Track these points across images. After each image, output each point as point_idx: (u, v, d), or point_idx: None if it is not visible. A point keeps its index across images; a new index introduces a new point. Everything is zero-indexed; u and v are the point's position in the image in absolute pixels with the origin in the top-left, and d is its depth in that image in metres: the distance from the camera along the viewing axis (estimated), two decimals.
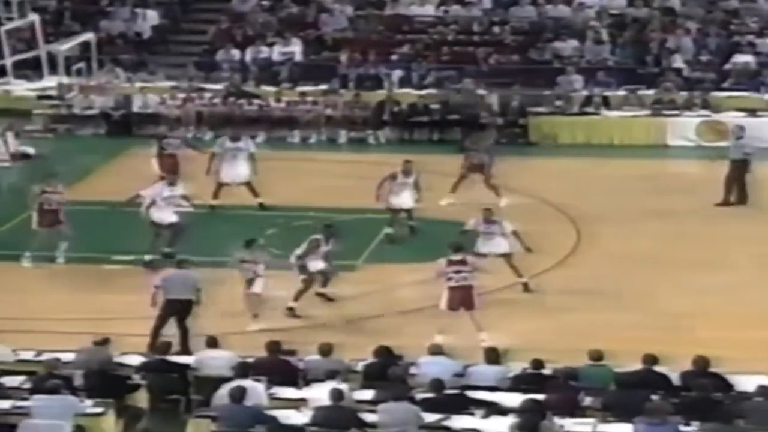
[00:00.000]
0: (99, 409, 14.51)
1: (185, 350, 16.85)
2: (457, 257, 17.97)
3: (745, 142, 24.43)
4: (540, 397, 14.40)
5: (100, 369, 15.24)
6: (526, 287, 19.75)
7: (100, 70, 31.87)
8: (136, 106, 30.01)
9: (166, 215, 20.87)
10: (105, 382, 15.08)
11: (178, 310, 17.40)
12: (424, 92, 29.85)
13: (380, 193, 21.85)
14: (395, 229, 22.03)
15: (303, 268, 18.81)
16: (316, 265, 18.87)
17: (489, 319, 18.16)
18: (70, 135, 29.90)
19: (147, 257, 20.65)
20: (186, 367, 15.67)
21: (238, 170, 23.68)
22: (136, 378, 15.41)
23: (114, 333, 16.38)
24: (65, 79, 31.46)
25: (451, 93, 29.49)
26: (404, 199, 21.95)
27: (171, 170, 23.76)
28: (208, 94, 29.97)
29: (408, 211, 22.09)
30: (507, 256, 19.65)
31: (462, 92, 29.43)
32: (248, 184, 23.73)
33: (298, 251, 18.88)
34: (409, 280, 19.90)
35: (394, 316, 18.83)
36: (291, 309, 18.79)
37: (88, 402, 14.58)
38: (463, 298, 17.69)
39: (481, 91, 29.30)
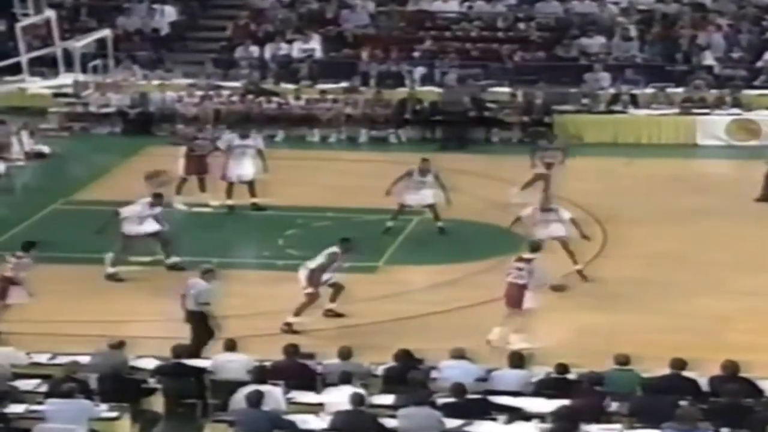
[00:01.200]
0: (114, 414, 14.52)
1: (193, 353, 16.68)
2: (527, 256, 18.17)
3: None
4: (565, 402, 14.37)
5: (115, 373, 15.27)
6: (581, 275, 19.95)
7: (117, 67, 31.98)
8: (154, 105, 30.08)
9: (144, 227, 20.66)
10: (120, 385, 15.11)
11: (194, 321, 17.29)
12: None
13: (393, 188, 21.88)
14: (395, 223, 21.98)
15: (315, 281, 18.50)
16: (329, 278, 18.67)
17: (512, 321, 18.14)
18: (85, 133, 30.00)
19: (110, 270, 20.49)
20: (203, 370, 15.69)
21: (244, 168, 23.63)
22: (152, 382, 15.43)
23: (130, 336, 16.42)
24: (81, 77, 31.57)
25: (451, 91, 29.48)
26: (423, 197, 21.96)
27: (199, 172, 23.80)
28: (226, 92, 30.05)
29: (431, 207, 22.02)
30: (563, 241, 19.85)
31: (444, 90, 29.32)
32: (250, 183, 23.64)
33: (312, 264, 18.60)
34: (430, 282, 19.88)
35: (415, 318, 18.81)
36: (289, 324, 18.43)
37: (103, 406, 14.59)
38: (511, 296, 17.86)
39: (507, 89, 29.26)
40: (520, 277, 17.90)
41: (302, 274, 18.58)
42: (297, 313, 18.49)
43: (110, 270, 20.50)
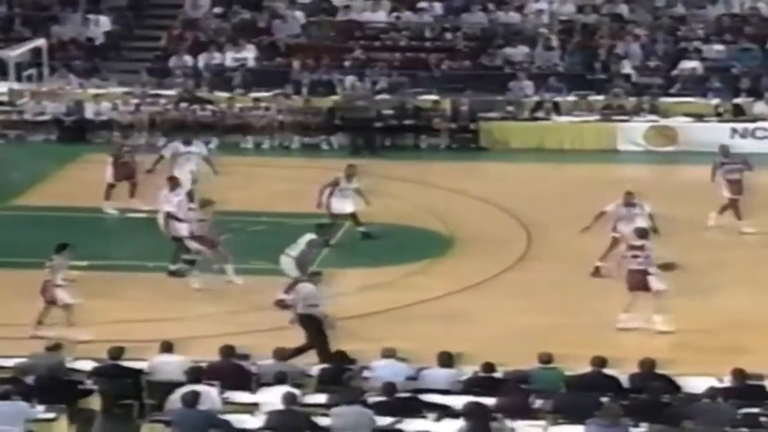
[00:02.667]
0: (51, 415, 14.39)
1: (293, 354, 16.54)
2: (639, 243, 18.49)
3: None
4: (491, 400, 14.45)
5: (52, 374, 15.13)
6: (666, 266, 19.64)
7: (52, 76, 31.67)
8: (89, 112, 29.85)
9: (183, 228, 20.48)
10: (57, 387, 14.97)
11: (306, 324, 17.13)
12: (378, 98, 29.84)
13: (321, 199, 21.74)
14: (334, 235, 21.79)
15: (304, 267, 18.56)
16: (312, 266, 18.72)
17: (440, 322, 18.22)
18: (21, 141, 29.69)
19: (172, 267, 20.40)
20: (139, 372, 15.59)
21: (187, 175, 23.51)
22: (89, 383, 15.30)
23: (67, 338, 16.25)
24: (16, 85, 31.23)
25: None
26: (346, 206, 21.80)
27: (127, 177, 23.66)
28: (161, 100, 29.87)
29: (353, 216, 21.93)
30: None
31: (353, 95, 29.37)
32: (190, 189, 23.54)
33: (293, 252, 18.70)
34: (363, 285, 19.90)
35: (348, 320, 18.81)
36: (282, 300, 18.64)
37: (40, 407, 14.45)
38: (637, 281, 18.27)
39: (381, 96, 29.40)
40: (639, 263, 18.30)
41: (287, 262, 18.65)
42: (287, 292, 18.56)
43: (172, 267, 20.35)
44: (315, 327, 16.94)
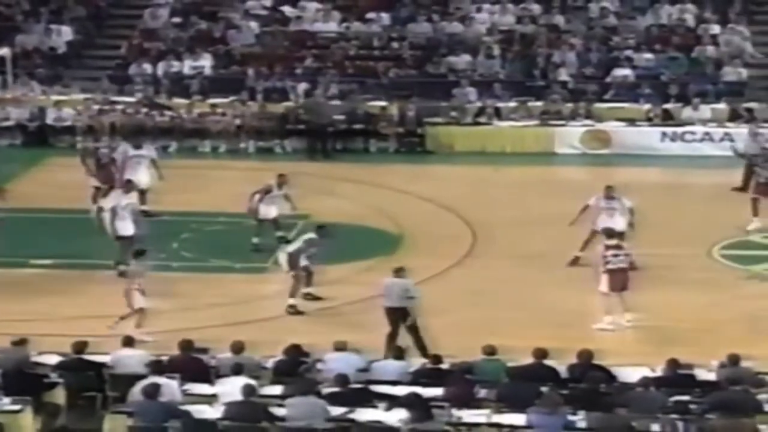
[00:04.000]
0: (17, 407, 14.24)
1: (423, 352, 16.44)
2: (613, 242, 18.32)
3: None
4: (438, 390, 14.45)
5: (17, 368, 14.95)
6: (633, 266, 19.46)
7: (15, 83, 31.31)
8: (51, 118, 29.57)
9: (128, 227, 20.22)
10: (22, 380, 14.79)
11: (397, 317, 16.97)
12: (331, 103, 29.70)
13: (251, 204, 21.46)
14: (261, 239, 21.47)
15: (294, 263, 18.55)
16: (303, 261, 18.69)
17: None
18: None
19: (121, 267, 19.93)
20: (102, 365, 15.44)
21: (139, 177, 23.22)
22: (54, 376, 15.14)
23: (32, 334, 16.07)
24: None
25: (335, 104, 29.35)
26: (271, 210, 21.45)
27: (106, 181, 23.39)
28: (120, 106, 29.62)
29: (274, 221, 21.60)
30: (621, 235, 19.51)
31: (310, 104, 29.29)
32: (142, 191, 23.25)
33: (290, 248, 18.70)
34: (316, 281, 19.78)
35: (302, 315, 18.75)
36: (293, 306, 18.60)
37: (6, 400, 14.29)
38: (622, 280, 18.08)
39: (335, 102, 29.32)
40: (621, 261, 18.14)
41: (282, 258, 18.69)
42: (292, 295, 18.59)
43: (121, 267, 19.89)
44: (404, 319, 16.95)
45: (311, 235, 18.92)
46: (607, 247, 18.36)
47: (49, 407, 14.81)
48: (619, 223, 19.97)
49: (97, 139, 25.71)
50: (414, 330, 17.00)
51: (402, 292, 17.12)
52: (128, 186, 21.20)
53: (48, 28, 33.34)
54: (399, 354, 15.51)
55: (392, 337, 16.93)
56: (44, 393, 14.87)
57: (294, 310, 18.66)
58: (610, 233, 18.78)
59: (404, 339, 16.64)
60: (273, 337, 17.03)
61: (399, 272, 17.41)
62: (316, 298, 19.08)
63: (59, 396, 14.98)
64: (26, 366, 15.15)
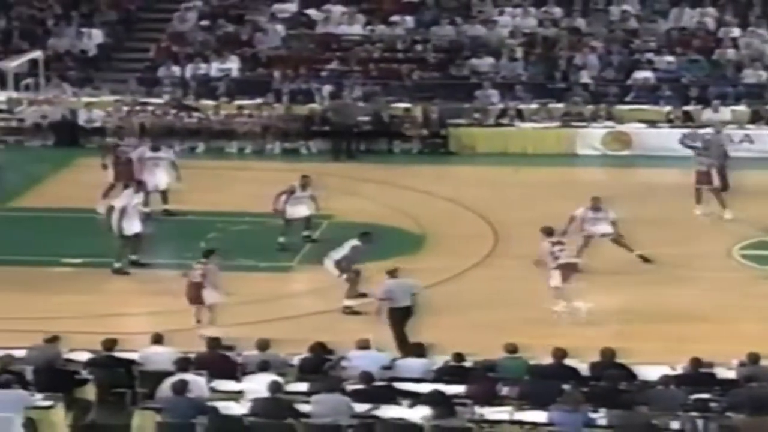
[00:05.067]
0: (49, 403, 14.33)
1: (406, 351, 16.50)
2: (554, 239, 18.75)
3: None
4: (461, 388, 14.45)
5: (49, 365, 15.04)
6: (644, 258, 20.40)
7: (48, 85, 31.50)
8: (82, 119, 29.72)
9: (135, 225, 20.39)
10: (54, 377, 14.88)
11: (404, 316, 17.12)
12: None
13: (276, 204, 21.53)
14: (287, 239, 21.59)
15: (344, 268, 18.75)
16: (356, 266, 18.93)
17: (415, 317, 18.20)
18: (20, 146, 29.51)
19: (116, 264, 20.22)
20: (131, 362, 15.52)
21: (157, 178, 23.35)
22: (84, 373, 15.22)
23: (63, 331, 16.16)
24: (14, 94, 31.04)
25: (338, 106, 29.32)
26: (301, 210, 21.58)
27: (128, 177, 23.49)
28: (149, 108, 29.75)
29: (306, 219, 21.72)
30: (611, 236, 20.30)
31: (338, 105, 29.29)
32: (163, 191, 23.39)
33: (337, 255, 18.86)
34: (340, 280, 19.80)
35: (327, 313, 18.79)
36: (348, 307, 18.72)
37: (39, 395, 14.38)
38: (572, 272, 18.54)
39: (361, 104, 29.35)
40: (568, 256, 18.68)
41: (329, 264, 18.88)
42: (348, 297, 18.72)
43: (116, 265, 20.20)
44: (409, 317, 17.07)
45: (356, 242, 18.98)
46: (553, 244, 18.71)
47: (80, 403, 14.89)
48: (606, 228, 20.46)
49: (120, 137, 25.81)
50: (401, 329, 17.04)
51: (408, 291, 17.21)
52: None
53: (79, 31, 33.53)
54: (421, 351, 15.51)
55: (401, 336, 16.93)
56: (75, 389, 14.95)
57: (350, 311, 18.74)
58: (549, 231, 18.96)
59: (425, 336, 16.61)
60: (298, 334, 17.07)
61: (395, 273, 17.55)
62: (362, 295, 19.03)
63: (90, 392, 15.05)
64: (58, 363, 15.25)
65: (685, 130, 27.36)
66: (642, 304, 18.98)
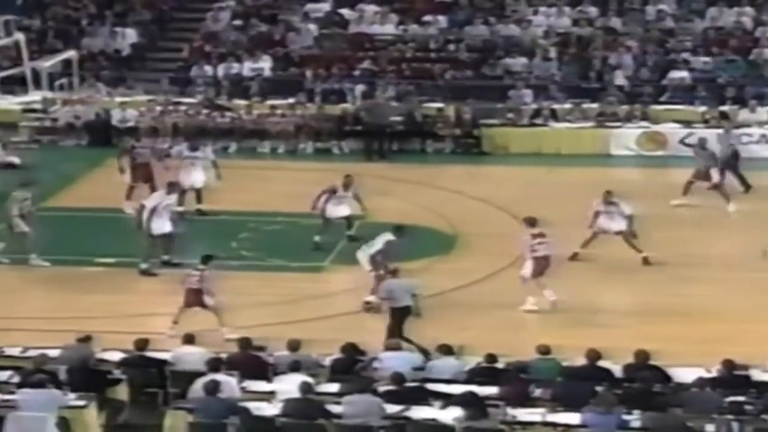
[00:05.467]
0: (82, 402, 14.40)
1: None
2: (536, 230, 18.79)
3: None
4: (493, 389, 14.43)
5: (82, 364, 15.13)
6: (645, 261, 20.47)
7: (82, 85, 31.71)
8: (116, 119, 29.88)
9: (164, 225, 20.48)
10: (87, 376, 14.97)
11: (405, 316, 17.21)
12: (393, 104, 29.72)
13: (317, 203, 21.54)
14: (323, 238, 21.63)
15: (377, 264, 18.74)
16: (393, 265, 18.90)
17: (446, 316, 18.19)
18: (53, 146, 29.72)
19: (143, 265, 20.33)
20: (163, 362, 15.59)
21: (194, 177, 23.43)
22: (117, 373, 15.30)
23: (96, 330, 16.26)
24: (49, 94, 31.28)
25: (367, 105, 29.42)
26: (342, 210, 21.62)
27: (145, 180, 23.61)
28: (183, 107, 29.88)
29: (348, 219, 21.76)
30: (623, 234, 20.42)
31: (371, 105, 29.30)
32: (198, 190, 23.48)
33: (372, 250, 18.85)
34: (370, 275, 19.79)
35: (359, 314, 18.80)
36: (369, 302, 18.78)
37: (72, 395, 14.47)
38: (545, 266, 18.71)
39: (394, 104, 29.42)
40: (545, 249, 18.81)
41: (363, 258, 18.87)
42: (373, 293, 18.69)
43: (143, 266, 20.27)
44: (408, 317, 17.13)
45: (389, 236, 18.96)
46: (533, 236, 18.82)
47: (113, 403, 14.97)
48: (619, 224, 20.57)
49: (138, 138, 26.00)
50: (399, 328, 17.08)
51: (408, 292, 17.27)
52: (171, 187, 21.27)
53: (113, 31, 33.75)
54: (447, 352, 15.47)
55: (399, 333, 16.95)
56: (108, 389, 15.03)
57: (369, 307, 18.75)
58: (531, 222, 19.10)
59: (457, 337, 16.58)
60: (330, 335, 17.09)
61: (395, 273, 17.69)
62: (374, 309, 18.92)
63: (122, 392, 15.13)
64: (91, 362, 15.33)
65: (685, 130, 27.24)
66: (676, 304, 18.89)
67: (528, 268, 18.73)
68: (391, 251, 18.83)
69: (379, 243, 18.93)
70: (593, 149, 28.45)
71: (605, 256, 20.97)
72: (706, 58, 30.88)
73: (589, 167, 27.16)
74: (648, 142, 28.34)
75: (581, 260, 20.58)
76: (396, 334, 16.94)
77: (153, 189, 23.22)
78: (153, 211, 20.36)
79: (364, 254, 18.96)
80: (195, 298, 17.81)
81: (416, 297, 17.38)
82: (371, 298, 18.75)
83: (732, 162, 24.72)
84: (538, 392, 14.55)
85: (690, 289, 19.57)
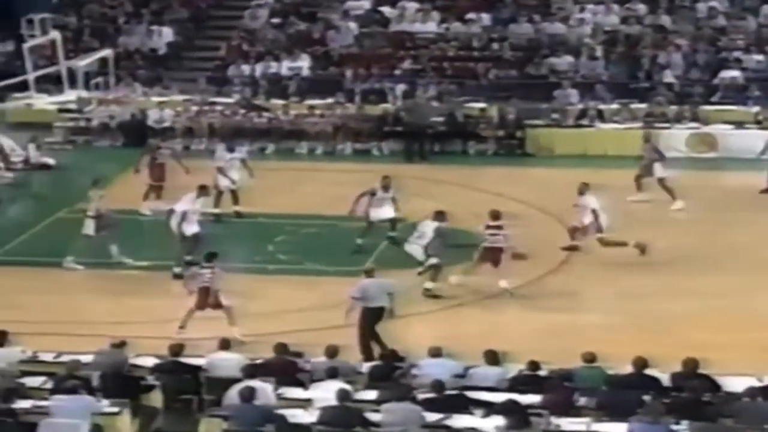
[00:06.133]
0: (115, 409, 14.47)
1: (369, 354, 16.77)
2: (495, 223, 19.57)
3: None
4: (536, 397, 14.37)
5: (116, 370, 15.20)
6: (641, 248, 20.99)
7: (118, 84, 31.91)
8: (152, 119, 30.03)
9: (193, 227, 20.68)
10: (121, 382, 15.05)
11: (378, 317, 17.29)
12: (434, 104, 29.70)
13: (356, 206, 21.66)
14: (365, 241, 21.73)
15: (436, 252, 19.35)
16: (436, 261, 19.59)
17: (486, 323, 18.14)
18: (88, 146, 29.94)
19: (176, 269, 20.43)
20: (198, 368, 15.64)
21: (233, 178, 23.58)
22: (151, 379, 15.37)
23: (130, 336, 16.34)
24: (84, 93, 31.52)
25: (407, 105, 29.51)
26: (385, 212, 21.75)
27: (159, 179, 23.75)
28: (219, 107, 30.00)
29: (391, 221, 21.85)
30: (590, 228, 21.01)
31: (412, 105, 29.30)
32: (234, 191, 23.59)
33: (423, 241, 19.55)
34: (412, 285, 19.81)
35: (399, 319, 18.76)
36: (429, 290, 19.34)
37: (105, 402, 14.53)
38: (493, 257, 19.44)
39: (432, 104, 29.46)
40: (496, 241, 19.53)
41: (415, 250, 19.70)
42: (433, 279, 19.35)
43: (176, 270, 20.38)
44: (374, 320, 17.20)
45: (434, 223, 19.61)
46: (488, 227, 19.62)
47: (147, 410, 15.03)
48: (587, 219, 21.15)
49: (164, 139, 26.20)
50: (372, 329, 17.10)
51: (383, 292, 17.29)
52: (201, 191, 21.35)
53: (149, 29, 33.96)
54: (495, 360, 15.44)
55: (370, 334, 17.05)
56: (141, 395, 15.09)
57: (430, 293, 19.31)
58: (494, 215, 19.78)
59: (499, 344, 16.52)
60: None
61: (371, 272, 17.69)
62: (435, 297, 19.41)
63: (156, 399, 15.19)
64: (124, 368, 15.40)
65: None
66: (725, 311, 18.74)
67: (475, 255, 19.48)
68: (446, 234, 19.42)
69: (428, 232, 19.49)
70: (641, 151, 28.22)
71: (652, 262, 20.82)
72: (760, 57, 30.64)
73: (637, 169, 26.92)
74: (698, 144, 28.15)
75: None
76: (368, 334, 17.02)
77: (160, 190, 23.31)
78: (184, 215, 20.49)
79: (414, 246, 19.49)
80: (208, 298, 17.85)
81: (392, 296, 17.35)
82: (430, 285, 19.28)
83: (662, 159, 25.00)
84: (582, 401, 14.47)
85: (742, 295, 19.40)
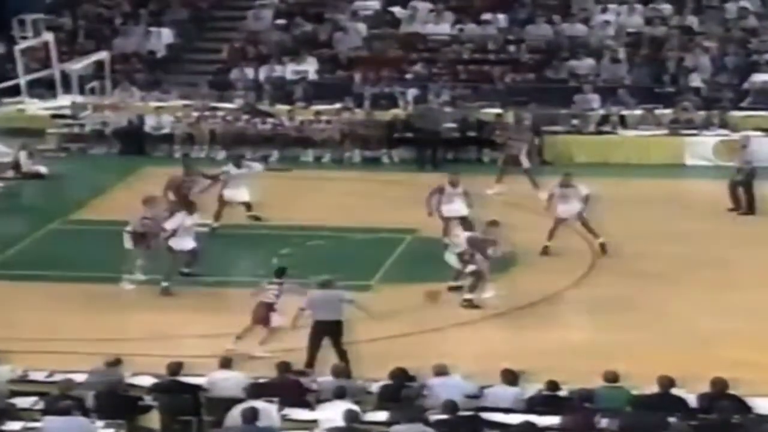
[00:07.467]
0: (110, 430, 14.47)
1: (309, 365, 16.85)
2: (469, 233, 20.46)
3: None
4: (556, 419, 14.34)
5: (111, 390, 15.20)
6: (603, 248, 21.70)
7: (114, 88, 31.97)
8: (149, 126, 30.07)
9: (186, 243, 20.85)
10: (116, 403, 15.04)
11: (326, 331, 17.34)
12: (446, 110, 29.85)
13: (428, 207, 22.07)
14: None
15: (473, 258, 19.82)
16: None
17: (502, 339, 18.13)
18: (83, 154, 29.98)
19: (164, 284, 20.55)
20: (198, 388, 15.63)
21: (240, 192, 23.75)
22: (148, 399, 15.37)
23: (126, 353, 16.35)
24: (79, 98, 31.57)
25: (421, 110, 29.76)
26: (458, 208, 22.15)
27: (185, 197, 23.74)
28: (221, 113, 30.05)
29: (463, 220, 22.09)
30: (580, 215, 21.71)
31: (424, 110, 29.39)
32: (246, 203, 23.75)
33: (457, 249, 20.15)
34: (420, 300, 19.78)
35: (409, 336, 18.77)
36: (469, 300, 19.67)
37: (100, 423, 14.53)
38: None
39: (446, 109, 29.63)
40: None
41: (452, 260, 20.17)
42: (471, 290, 19.75)
43: (164, 284, 20.55)
44: (321, 334, 17.34)
45: (466, 234, 20.33)
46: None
47: (143, 431, 15.03)
48: (575, 208, 22.03)
49: (187, 174, 26.15)
50: (316, 341, 17.24)
51: (334, 305, 17.32)
52: (191, 208, 21.53)
53: (148, 30, 34.06)
54: (512, 379, 15.41)
55: (312, 352, 17.09)
56: (138, 416, 15.09)
57: (469, 304, 19.69)
58: (465, 223, 20.96)
59: (516, 362, 16.50)
60: (377, 359, 17.06)
61: (328, 284, 17.63)
62: (475, 307, 19.69)
63: (153, 420, 15.19)
64: (120, 388, 15.39)
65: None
66: (756, 328, 18.70)
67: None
68: (478, 240, 19.94)
69: (461, 240, 20.03)
70: (666, 159, 28.29)
71: (676, 276, 20.81)
72: None
73: (662, 179, 27.01)
74: (727, 152, 28.09)
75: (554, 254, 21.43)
76: (314, 347, 17.13)
77: (191, 206, 23.35)
78: (174, 232, 20.69)
79: (452, 257, 20.18)
80: (264, 315, 17.91)
81: (353, 303, 17.51)
82: (469, 296, 19.64)
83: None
84: (604, 423, 14.43)
85: None
